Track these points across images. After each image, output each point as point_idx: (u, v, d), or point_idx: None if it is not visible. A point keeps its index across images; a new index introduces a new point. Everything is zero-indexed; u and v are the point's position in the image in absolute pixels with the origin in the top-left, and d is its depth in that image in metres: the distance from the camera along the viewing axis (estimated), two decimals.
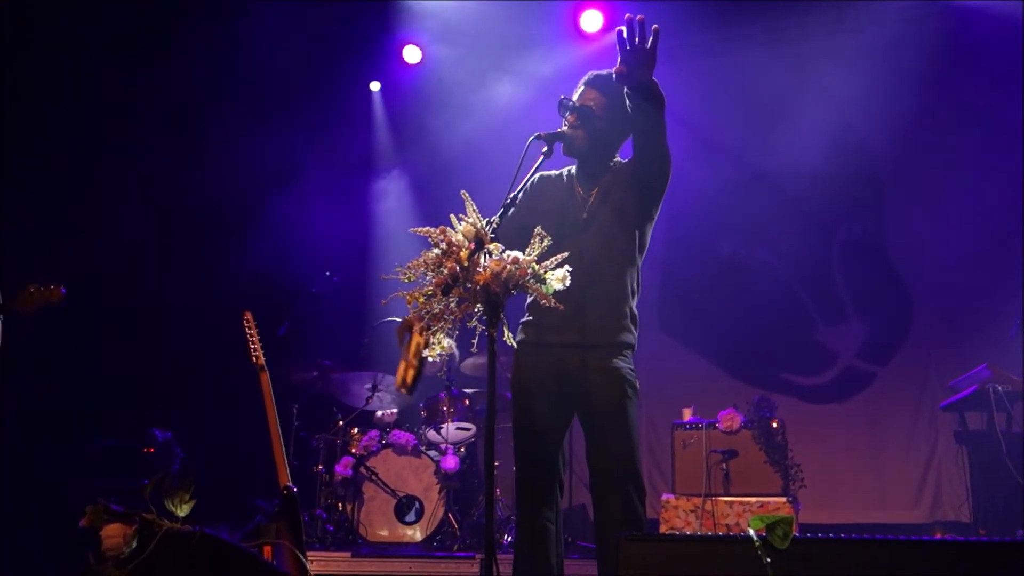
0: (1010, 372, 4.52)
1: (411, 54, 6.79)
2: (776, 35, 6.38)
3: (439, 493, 5.10)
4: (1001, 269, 5.46)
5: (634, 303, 2.85)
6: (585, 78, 2.92)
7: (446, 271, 2.18)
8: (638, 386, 2.78)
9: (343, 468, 5.16)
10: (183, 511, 2.33)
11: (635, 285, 2.86)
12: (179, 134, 6.36)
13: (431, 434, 5.39)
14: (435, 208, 5.18)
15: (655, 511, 4.79)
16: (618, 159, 2.95)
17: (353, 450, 5.33)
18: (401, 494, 5.13)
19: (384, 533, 5.10)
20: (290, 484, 3.27)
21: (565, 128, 2.87)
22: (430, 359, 2.29)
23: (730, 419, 4.74)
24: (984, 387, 4.51)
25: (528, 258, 2.23)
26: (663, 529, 4.62)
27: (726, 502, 4.57)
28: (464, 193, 2.28)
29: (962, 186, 5.81)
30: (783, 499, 4.49)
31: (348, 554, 4.65)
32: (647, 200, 2.86)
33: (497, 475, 2.49)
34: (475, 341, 2.25)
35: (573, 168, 2.98)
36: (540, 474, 2.77)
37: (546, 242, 2.26)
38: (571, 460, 4.88)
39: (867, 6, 5.98)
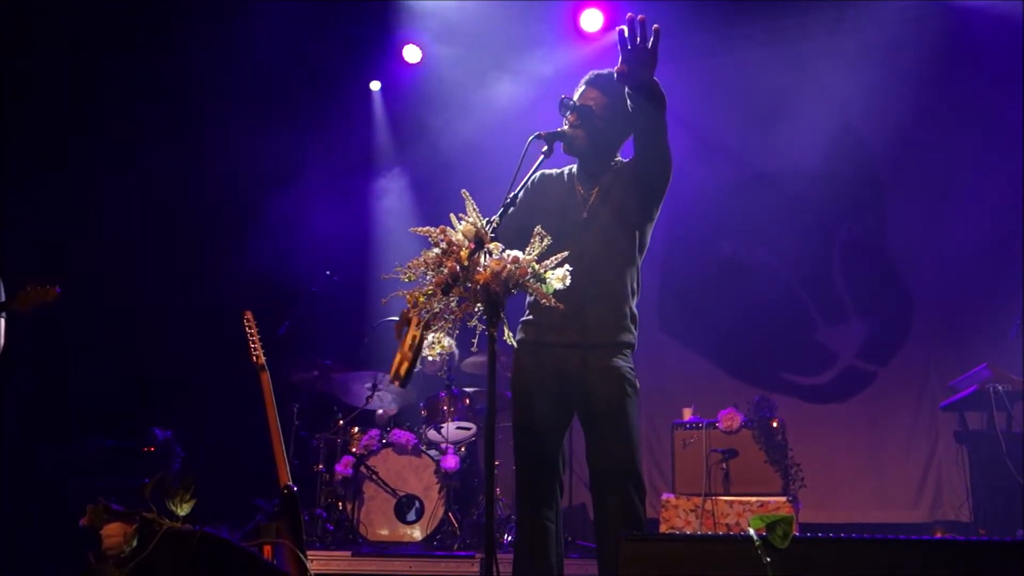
0: (1010, 372, 4.52)
1: (411, 54, 6.79)
2: (776, 35, 6.39)
3: (439, 492, 5.10)
4: (1001, 269, 5.46)
5: (634, 303, 2.85)
6: (586, 77, 2.92)
7: (446, 270, 2.18)
8: (638, 385, 2.78)
9: (343, 467, 5.16)
10: (183, 510, 2.33)
11: (635, 285, 2.86)
12: (179, 134, 6.36)
13: (431, 433, 5.39)
14: (435, 207, 5.17)
15: (655, 511, 4.79)
16: (619, 159, 2.95)
17: (353, 449, 5.33)
18: (401, 493, 5.13)
19: (384, 532, 5.10)
20: (290, 483, 3.27)
21: (565, 127, 2.87)
22: (430, 359, 2.30)
23: (730, 419, 4.74)
24: (984, 387, 4.51)
25: (528, 257, 2.23)
26: (663, 529, 4.62)
27: (726, 502, 4.57)
28: (464, 192, 2.28)
29: (962, 186, 5.81)
30: (783, 499, 4.49)
31: (348, 553, 4.65)
32: (648, 200, 2.86)
33: (497, 474, 2.49)
34: (475, 340, 2.25)
35: (574, 167, 2.99)
36: (540, 474, 2.77)
37: (546, 241, 2.26)
38: (571, 460, 4.88)
39: (867, 6, 5.98)
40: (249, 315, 3.62)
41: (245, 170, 6.24)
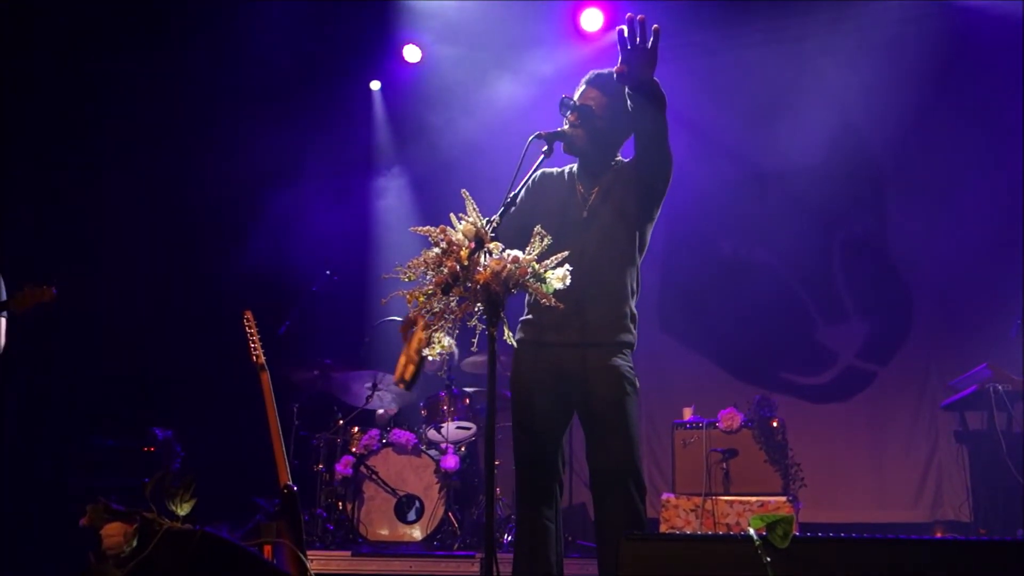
0: (1010, 372, 4.52)
1: (411, 53, 6.79)
2: (776, 34, 6.38)
3: (439, 492, 5.10)
4: (1001, 269, 5.46)
5: (634, 303, 2.85)
6: (586, 77, 2.92)
7: (446, 270, 2.18)
8: (638, 384, 2.78)
9: (343, 467, 5.16)
10: (183, 510, 2.33)
11: (635, 285, 2.86)
12: (179, 133, 6.36)
13: (431, 433, 5.39)
14: (435, 207, 5.18)
15: (655, 510, 4.79)
16: (620, 158, 2.95)
17: (353, 449, 5.33)
18: (401, 493, 5.13)
19: (384, 532, 5.10)
20: (290, 483, 3.27)
21: (566, 127, 2.87)
22: (430, 358, 2.29)
23: (730, 418, 4.74)
24: (984, 387, 4.51)
25: (528, 257, 2.23)
26: (663, 528, 4.62)
27: (726, 501, 4.57)
28: (464, 192, 2.28)
29: (963, 186, 5.81)
30: (783, 498, 4.49)
31: (348, 553, 4.65)
32: (648, 200, 2.86)
33: (497, 474, 2.49)
34: (475, 340, 2.25)
35: (575, 166, 2.98)
36: (540, 473, 2.77)
37: (546, 241, 2.26)
38: (571, 459, 4.88)
39: (867, 5, 5.97)
40: (249, 315, 3.62)
41: (245, 170, 6.23)
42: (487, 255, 2.22)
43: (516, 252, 2.23)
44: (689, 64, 6.35)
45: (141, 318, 6.02)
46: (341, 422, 5.49)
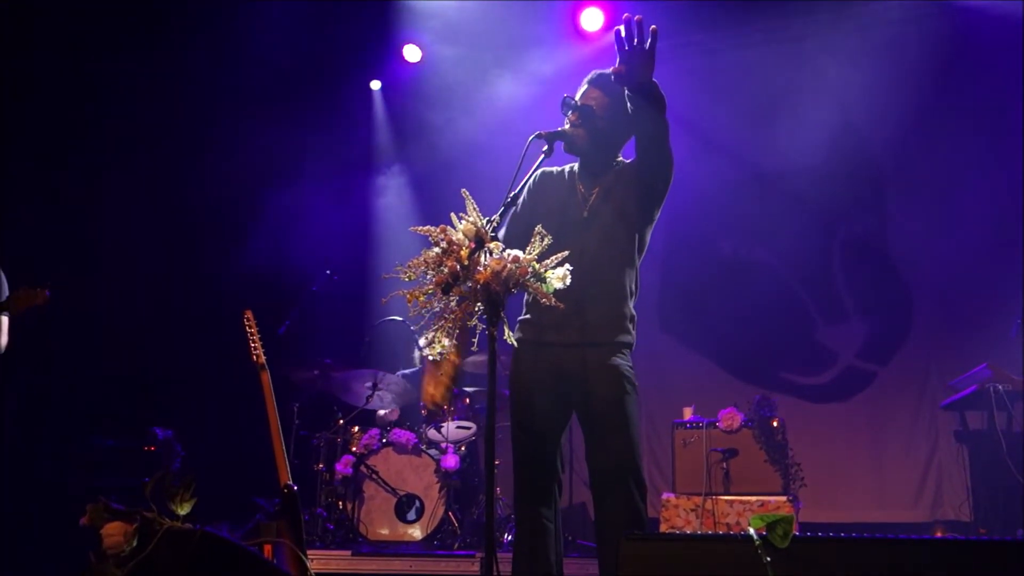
0: (1010, 372, 4.52)
1: (411, 53, 6.79)
2: (777, 34, 6.38)
3: (439, 492, 5.10)
4: (1001, 269, 5.46)
5: (632, 304, 2.85)
6: (588, 77, 2.92)
7: (446, 270, 2.18)
8: (637, 384, 2.78)
9: (343, 467, 5.16)
10: (184, 509, 2.32)
11: (634, 286, 2.86)
12: (179, 133, 6.36)
13: (431, 433, 5.39)
14: (435, 206, 5.18)
15: (655, 510, 4.79)
16: (621, 159, 2.95)
17: (353, 449, 5.33)
18: (401, 493, 5.13)
19: (384, 532, 5.10)
20: (290, 483, 3.27)
21: (566, 127, 2.87)
22: (430, 358, 2.29)
23: (730, 418, 4.74)
24: (984, 386, 4.51)
25: (528, 257, 2.23)
26: (663, 528, 4.63)
27: (726, 501, 4.57)
28: (464, 192, 2.28)
29: (963, 186, 5.81)
30: (783, 498, 4.49)
31: (348, 553, 4.65)
32: (648, 201, 2.86)
33: (497, 474, 2.49)
34: (475, 340, 2.25)
35: (575, 165, 2.98)
36: (539, 473, 2.77)
37: (546, 240, 2.26)
38: (571, 459, 4.88)
39: (868, 5, 5.98)
40: (249, 314, 3.62)
41: (245, 169, 6.23)
42: (487, 255, 2.22)
43: (516, 252, 2.23)
44: (689, 64, 6.35)
45: (141, 318, 6.02)
46: (341, 422, 5.49)
